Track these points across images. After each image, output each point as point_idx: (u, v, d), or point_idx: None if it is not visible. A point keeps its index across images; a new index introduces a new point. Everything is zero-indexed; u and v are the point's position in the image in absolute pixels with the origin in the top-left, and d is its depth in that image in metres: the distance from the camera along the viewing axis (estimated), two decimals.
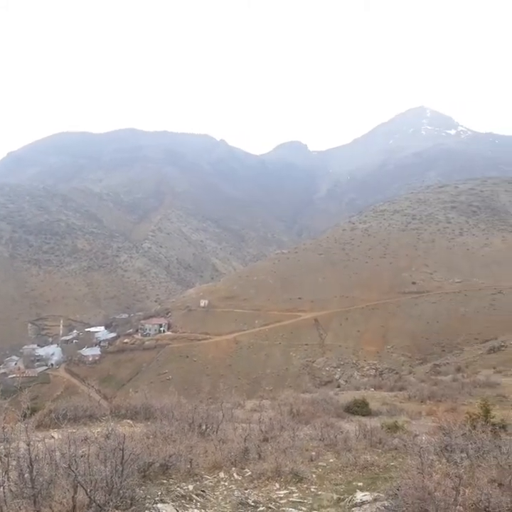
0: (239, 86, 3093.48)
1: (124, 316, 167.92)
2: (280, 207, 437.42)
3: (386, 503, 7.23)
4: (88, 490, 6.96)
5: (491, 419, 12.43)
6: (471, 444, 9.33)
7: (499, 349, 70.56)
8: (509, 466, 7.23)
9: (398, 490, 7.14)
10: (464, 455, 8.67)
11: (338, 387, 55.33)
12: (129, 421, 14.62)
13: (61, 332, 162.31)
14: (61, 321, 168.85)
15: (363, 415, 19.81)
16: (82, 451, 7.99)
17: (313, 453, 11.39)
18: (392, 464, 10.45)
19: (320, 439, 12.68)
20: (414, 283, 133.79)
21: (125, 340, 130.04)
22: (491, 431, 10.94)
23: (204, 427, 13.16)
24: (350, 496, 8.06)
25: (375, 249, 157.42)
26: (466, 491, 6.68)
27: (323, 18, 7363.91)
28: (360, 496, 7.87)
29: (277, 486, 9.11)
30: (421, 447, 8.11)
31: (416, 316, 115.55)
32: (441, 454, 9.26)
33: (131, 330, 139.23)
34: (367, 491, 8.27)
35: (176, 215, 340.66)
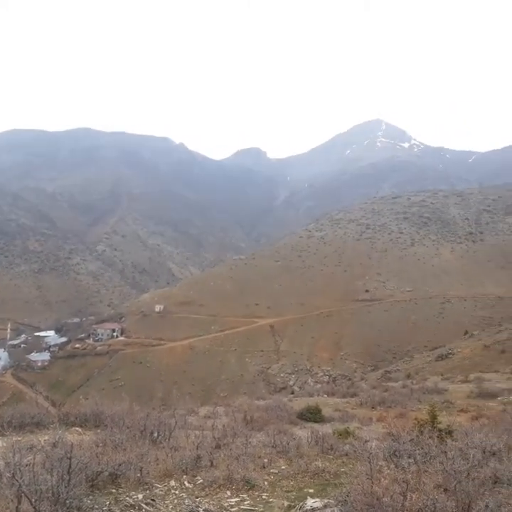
0: (199, 90, 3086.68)
1: (76, 320, 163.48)
2: (239, 213, 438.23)
3: (336, 510, 7.31)
4: (33, 500, 6.69)
5: (438, 425, 12.82)
6: (418, 449, 9.58)
7: (447, 356, 73.01)
8: (454, 471, 7.48)
9: (348, 496, 7.23)
10: (411, 461, 8.89)
11: (293, 393, 55.69)
12: (78, 429, 14.17)
13: (8, 336, 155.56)
14: (9, 325, 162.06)
15: (316, 422, 20.01)
16: (28, 460, 7.68)
17: (266, 460, 11.39)
18: (342, 470, 10.58)
19: (273, 446, 12.70)
20: (367, 291, 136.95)
21: (76, 346, 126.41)
22: (438, 436, 11.28)
23: (156, 435, 12.92)
24: (301, 503, 8.10)
25: (331, 258, 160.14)
26: (413, 496, 6.84)
27: (280, 34, 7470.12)
28: (310, 502, 7.92)
29: (229, 493, 9.04)
30: (370, 453, 8.26)
31: (369, 323, 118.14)
32: (390, 460, 9.46)
33: (82, 335, 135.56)
34: (317, 497, 8.34)
35: (133, 217, 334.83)
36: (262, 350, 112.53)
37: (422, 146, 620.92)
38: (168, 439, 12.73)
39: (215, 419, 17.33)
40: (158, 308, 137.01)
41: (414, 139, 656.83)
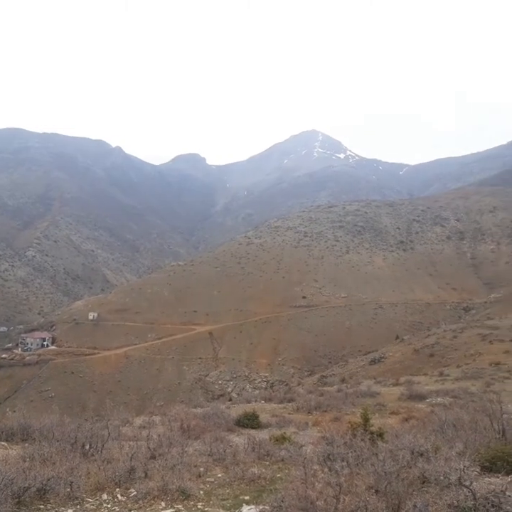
0: (138, 94, 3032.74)
1: (3, 329, 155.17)
2: (178, 218, 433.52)
3: None
4: None
5: (370, 428, 13.23)
6: (351, 452, 9.83)
7: (379, 360, 75.72)
8: (385, 472, 7.72)
9: (283, 501, 7.28)
10: (344, 464, 9.08)
11: (230, 400, 55.54)
12: (3, 443, 13.39)
13: None
14: None
15: (253, 428, 20.02)
16: None
17: (202, 469, 11.26)
18: (278, 475, 10.65)
19: (209, 454, 12.58)
20: (304, 297, 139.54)
21: (3, 356, 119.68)
22: (370, 439, 11.63)
23: (88, 447, 12.44)
24: (237, 511, 8.07)
25: (269, 264, 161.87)
26: (346, 498, 7.00)
27: (221, 41, 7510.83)
28: (246, 509, 7.91)
29: (163, 504, 8.85)
30: (305, 458, 8.38)
31: (306, 329, 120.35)
32: (324, 464, 9.63)
33: (10, 344, 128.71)
34: (253, 504, 8.34)
35: (65, 222, 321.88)
36: (200, 358, 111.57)
37: (356, 158, 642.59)
38: (101, 452, 12.29)
39: (151, 429, 16.91)
40: (91, 316, 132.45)
41: (350, 151, 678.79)
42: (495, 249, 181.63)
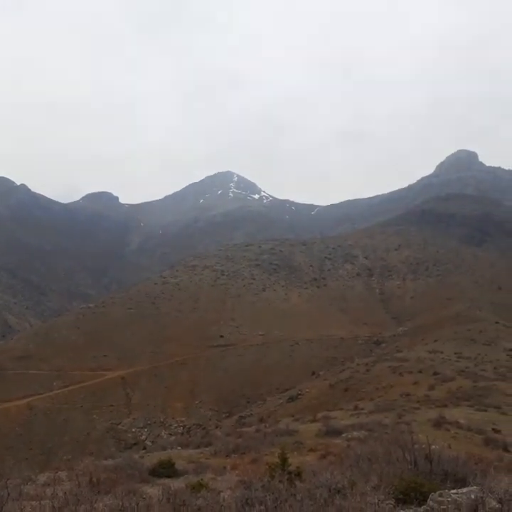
0: (44, 129, 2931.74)
1: None
2: (88, 259, 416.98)
3: None
4: None
5: (288, 468, 13.13)
6: (269, 495, 9.65)
7: (297, 397, 76.37)
8: None
9: None
10: (262, 507, 8.88)
11: (145, 448, 52.96)
12: None
13: None
14: None
15: (169, 476, 19.14)
16: None
17: None
18: None
19: (120, 509, 11.77)
20: (222, 336, 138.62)
21: None
22: (288, 479, 11.52)
23: None
24: None
25: (186, 304, 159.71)
26: None
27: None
28: None
29: None
30: (222, 505, 8.08)
31: (223, 369, 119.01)
32: (242, 509, 9.36)
33: None
34: None
35: None
36: (111, 405, 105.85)
37: (270, 198, 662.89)
38: None
39: (56, 486, 15.58)
40: None
41: (264, 192, 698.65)
42: (401, 284, 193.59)
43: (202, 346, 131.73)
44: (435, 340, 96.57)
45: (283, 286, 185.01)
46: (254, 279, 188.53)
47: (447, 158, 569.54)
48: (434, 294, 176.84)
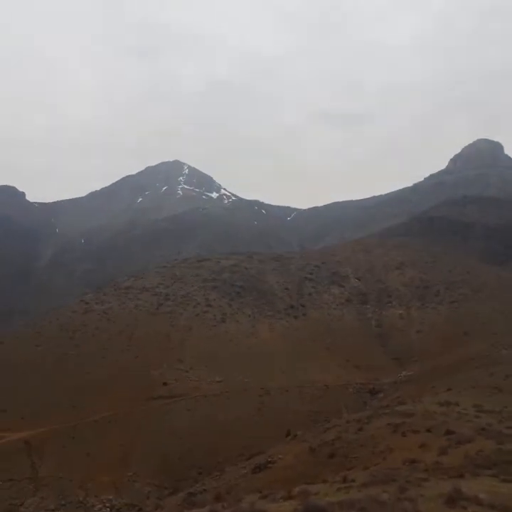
0: None
1: None
2: None
3: None
4: None
5: None
6: None
7: (266, 466, 75.75)
8: None
9: None
10: None
11: None
12: None
13: None
14: None
15: None
16: None
17: None
18: None
19: None
20: (165, 384, 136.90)
21: None
22: None
23: None
24: None
25: (116, 340, 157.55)
26: None
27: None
28: None
29: None
30: None
31: (167, 428, 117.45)
32: None
33: None
34: None
35: None
36: (10, 480, 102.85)
37: (232, 198, 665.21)
38: None
39: None
40: None
41: (224, 189, 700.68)
42: (404, 314, 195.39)
43: (138, 398, 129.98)
44: (448, 389, 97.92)
45: (249, 316, 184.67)
46: (210, 305, 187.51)
47: (464, 149, 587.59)
48: (446, 328, 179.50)
